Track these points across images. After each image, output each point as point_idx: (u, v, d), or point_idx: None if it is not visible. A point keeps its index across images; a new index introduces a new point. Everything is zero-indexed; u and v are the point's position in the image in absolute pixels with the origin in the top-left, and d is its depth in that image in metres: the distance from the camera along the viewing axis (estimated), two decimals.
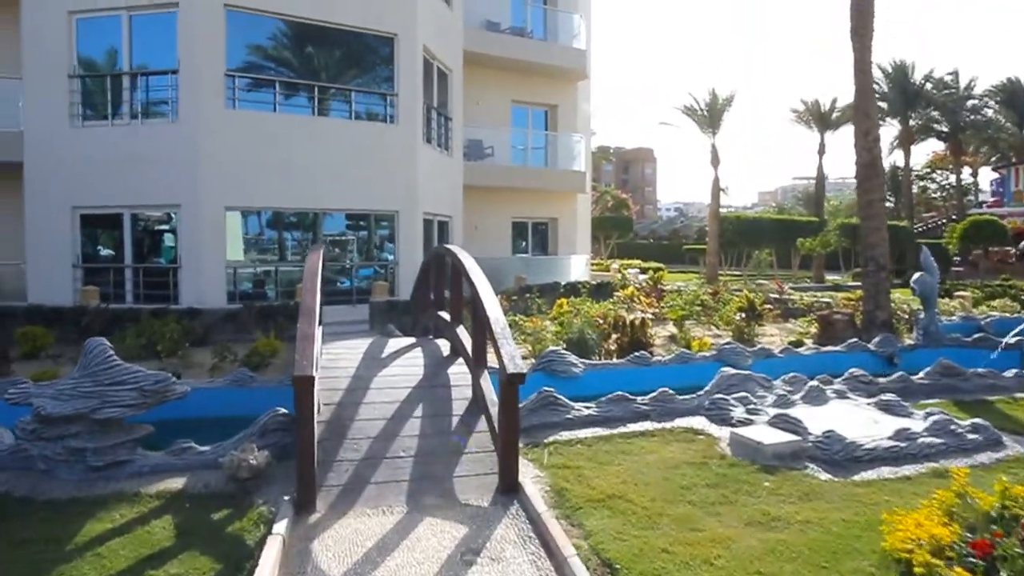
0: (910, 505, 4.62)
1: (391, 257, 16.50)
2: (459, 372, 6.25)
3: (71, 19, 14.43)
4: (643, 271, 27.90)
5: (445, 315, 7.23)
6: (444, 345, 7.14)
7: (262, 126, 14.47)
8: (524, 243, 24.04)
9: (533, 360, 9.81)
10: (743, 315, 13.07)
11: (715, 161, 31.25)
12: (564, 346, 10.54)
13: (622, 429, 6.58)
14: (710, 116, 31.10)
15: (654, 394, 7.36)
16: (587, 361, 9.21)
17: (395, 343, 7.35)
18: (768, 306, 13.53)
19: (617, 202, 42.30)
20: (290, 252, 15.82)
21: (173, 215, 14.44)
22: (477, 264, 6.08)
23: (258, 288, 15.29)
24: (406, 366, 6.37)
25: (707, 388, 7.80)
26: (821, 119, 35.73)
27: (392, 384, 5.93)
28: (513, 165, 22.57)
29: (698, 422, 6.97)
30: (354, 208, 16.00)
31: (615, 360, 10.23)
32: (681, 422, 6.95)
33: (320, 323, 6.37)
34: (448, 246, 6.66)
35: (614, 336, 11.11)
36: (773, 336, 13.69)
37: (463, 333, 6.42)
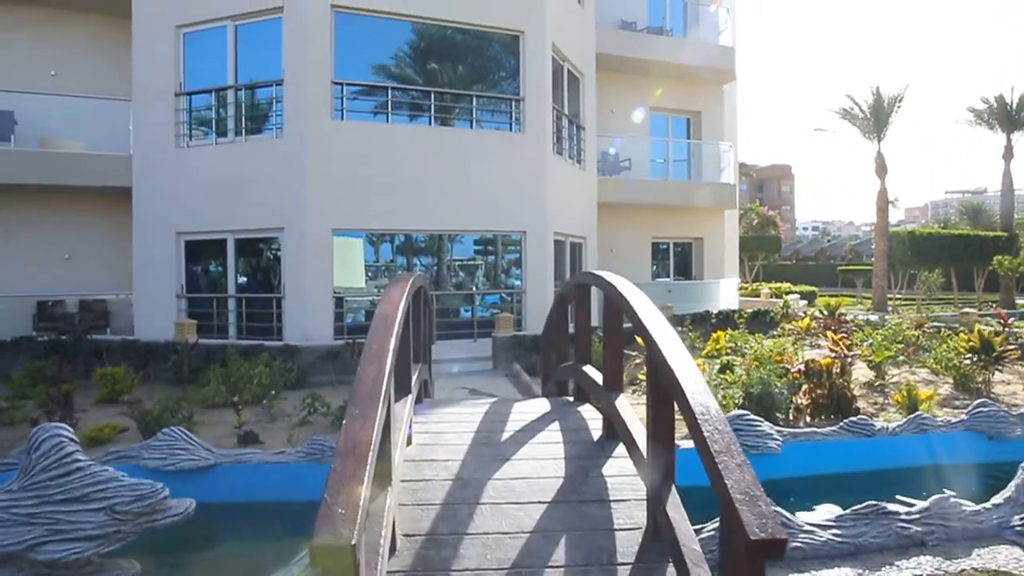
0: None
1: (518, 284, 14.45)
2: (623, 477, 3.91)
3: (178, 34, 13.49)
4: (802, 296, 24.50)
5: (594, 373, 4.94)
6: (591, 419, 4.86)
7: (372, 138, 12.86)
8: (657, 267, 21.38)
9: None
10: (974, 357, 9.94)
11: (881, 171, 27.31)
12: (742, 401, 8.01)
13: (889, 573, 4.03)
14: (875, 119, 27.24)
15: (926, 504, 4.70)
16: (786, 430, 6.63)
17: (521, 411, 5.14)
18: (1011, 347, 10.28)
19: (763, 220, 38.55)
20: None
21: (279, 240, 13.05)
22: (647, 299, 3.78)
23: (369, 320, 13.64)
24: (538, 458, 4.12)
25: (1008, 493, 5.02)
26: (1008, 118, 30.76)
27: (515, 494, 3.70)
28: (653, 179, 20.09)
29: (1013, 558, 4.28)
30: (474, 228, 14.10)
31: (817, 426, 7.56)
32: (984, 558, 4.28)
33: (409, 391, 4.26)
34: (599, 272, 4.41)
35: (806, 387, 8.41)
36: (1010, 385, 10.44)
37: (625, 407, 4.11)
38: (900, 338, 11.55)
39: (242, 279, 13.40)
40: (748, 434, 6.22)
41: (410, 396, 4.14)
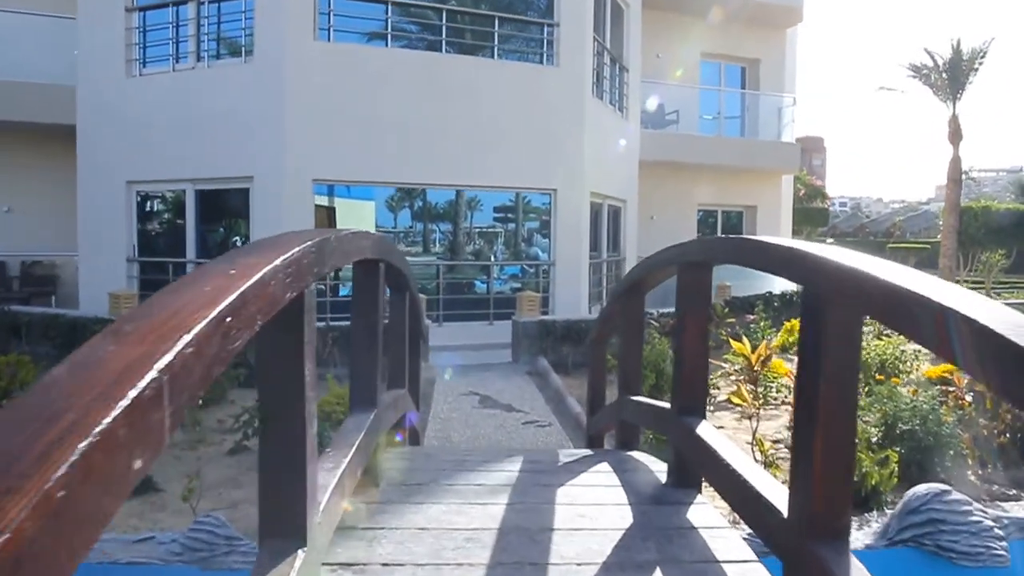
0: None
1: (544, 256, 11.79)
2: None
3: None
4: None
5: (729, 451, 2.30)
6: (730, 554, 2.24)
7: (366, 67, 10.17)
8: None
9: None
10: None
11: (955, 137, 24.03)
12: (880, 440, 5.33)
13: None
14: (950, 78, 23.97)
15: None
16: (1006, 517, 3.95)
17: (570, 520, 2.57)
18: None
19: (810, 190, 35.29)
20: (405, 244, 11.54)
21: (249, 191, 10.43)
22: None
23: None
24: None
25: None
26: None
27: None
28: (703, 135, 17.19)
29: None
30: (493, 184, 11.39)
31: (995, 482, 4.89)
32: None
33: (302, 542, 1.60)
34: (796, 243, 1.74)
35: (982, 421, 5.68)
36: None
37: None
38: None
39: (205, 240, 10.85)
40: (957, 529, 3.57)
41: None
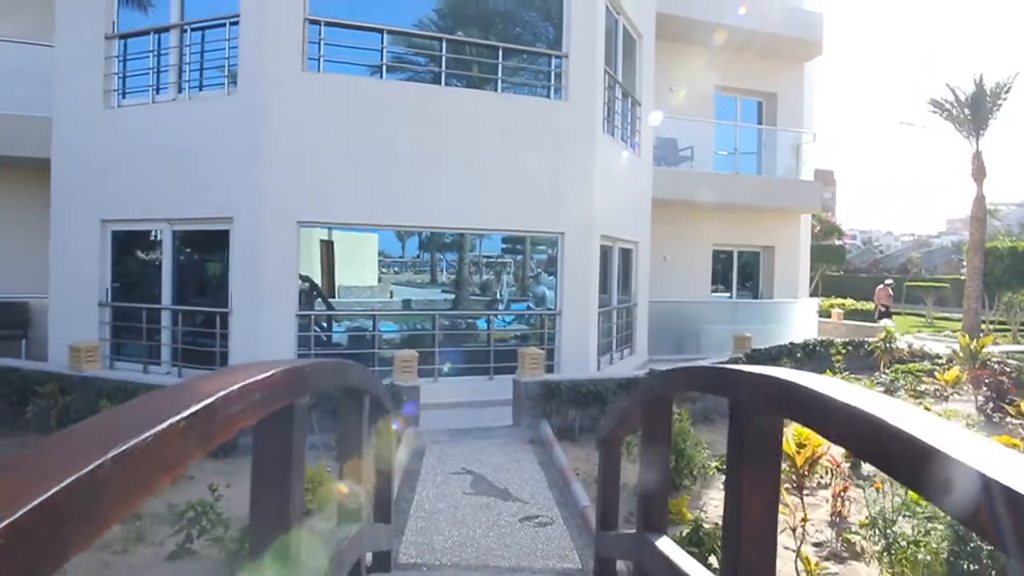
0: None
1: (549, 297, 10.89)
2: None
3: None
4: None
5: None
6: None
7: (360, 100, 9.40)
8: (716, 281, 17.56)
9: None
10: None
11: (979, 174, 23.14)
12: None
13: None
14: (973, 113, 23.17)
15: None
16: None
17: None
18: None
19: (825, 227, 34.37)
20: (413, 271, 10.74)
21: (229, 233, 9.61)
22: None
23: (358, 347, 10.19)
24: None
25: None
26: None
27: None
28: (719, 172, 16.38)
29: None
30: (495, 227, 10.61)
31: None
32: None
33: None
34: None
35: None
36: None
37: None
38: None
39: (182, 284, 10.03)
40: None
41: None
